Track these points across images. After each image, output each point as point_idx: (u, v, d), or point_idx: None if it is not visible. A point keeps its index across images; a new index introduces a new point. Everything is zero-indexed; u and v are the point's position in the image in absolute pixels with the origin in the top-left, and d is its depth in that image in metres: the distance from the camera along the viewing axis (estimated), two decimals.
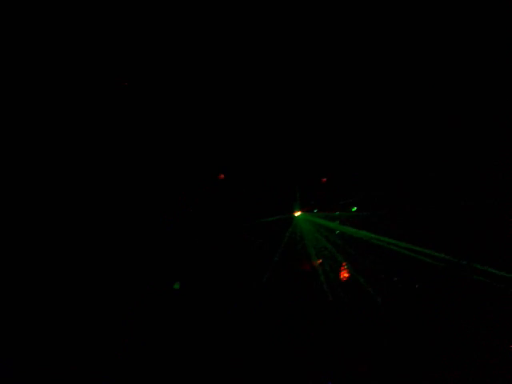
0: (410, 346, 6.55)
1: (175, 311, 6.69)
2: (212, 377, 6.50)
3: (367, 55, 6.75)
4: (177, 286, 6.80)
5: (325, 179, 7.12)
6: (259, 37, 6.67)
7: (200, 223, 6.87)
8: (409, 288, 6.81)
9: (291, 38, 6.67)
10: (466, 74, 6.69)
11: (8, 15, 6.33)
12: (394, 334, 6.61)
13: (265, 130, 6.93)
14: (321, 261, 7.04)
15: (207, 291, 6.78)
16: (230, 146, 6.93)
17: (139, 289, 6.71)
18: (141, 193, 6.84)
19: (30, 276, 6.52)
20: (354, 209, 7.09)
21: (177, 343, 6.58)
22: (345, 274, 6.96)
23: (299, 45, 6.70)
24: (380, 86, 6.84)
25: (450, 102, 6.80)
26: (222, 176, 7.00)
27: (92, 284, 6.64)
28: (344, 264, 7.00)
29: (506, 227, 6.72)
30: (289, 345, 6.64)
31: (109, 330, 6.56)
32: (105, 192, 6.76)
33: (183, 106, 6.83)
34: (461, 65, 6.67)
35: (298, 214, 7.14)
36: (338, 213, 7.12)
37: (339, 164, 7.08)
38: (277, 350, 6.66)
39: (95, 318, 6.57)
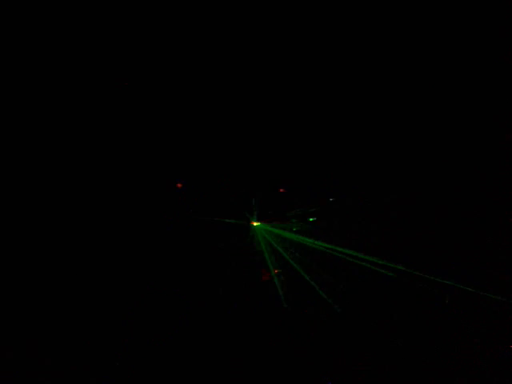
0: (410, 346, 6.48)
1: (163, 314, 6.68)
2: (211, 377, 6.43)
3: (362, 60, 6.80)
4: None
5: (282, 189, 7.13)
6: (259, 37, 6.76)
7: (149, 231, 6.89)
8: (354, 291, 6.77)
9: (291, 38, 6.76)
10: (466, 75, 6.72)
11: (8, 15, 6.45)
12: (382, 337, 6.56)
13: (228, 138, 6.97)
14: (277, 271, 7.00)
15: (161, 299, 6.75)
16: (184, 152, 6.96)
17: (139, 289, 6.70)
18: (141, 193, 6.87)
19: (30, 276, 6.53)
20: (312, 219, 7.08)
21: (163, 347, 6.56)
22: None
23: (294, 47, 6.80)
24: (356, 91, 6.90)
25: (436, 106, 6.83)
26: (180, 185, 7.02)
27: (91, 284, 6.63)
28: (276, 271, 6.96)
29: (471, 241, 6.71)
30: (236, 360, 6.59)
31: (109, 330, 6.54)
32: (104, 192, 6.79)
33: (183, 106, 6.89)
34: (461, 65, 6.71)
35: (255, 223, 7.13)
36: (295, 222, 7.12)
37: (297, 174, 7.10)
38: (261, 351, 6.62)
39: (95, 318, 6.55)
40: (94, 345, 6.47)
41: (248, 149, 6.97)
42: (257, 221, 7.12)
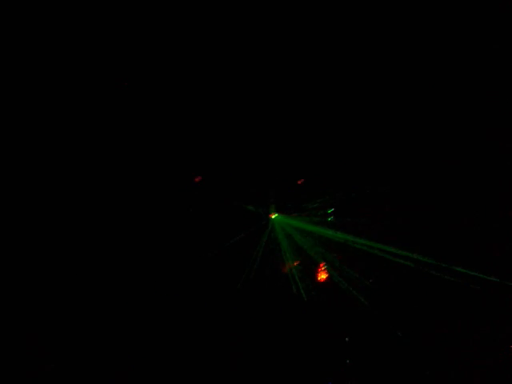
0: (409, 346, 6.57)
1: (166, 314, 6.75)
2: (211, 377, 6.54)
3: (361, 60, 6.75)
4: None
5: (301, 181, 7.12)
6: (259, 37, 6.68)
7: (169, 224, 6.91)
8: (390, 289, 6.82)
9: (291, 38, 6.68)
10: (466, 75, 6.68)
11: (8, 15, 6.33)
12: (385, 336, 6.65)
13: (243, 132, 6.93)
14: (298, 262, 7.06)
15: (179, 293, 6.81)
16: (206, 147, 6.94)
17: (138, 289, 6.75)
18: (141, 193, 6.87)
19: (30, 276, 6.57)
20: (331, 210, 7.10)
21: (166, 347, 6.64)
22: (322, 275, 6.99)
23: (294, 46, 6.72)
24: (361, 89, 6.85)
25: (438, 105, 6.80)
26: (198, 179, 7.01)
27: (91, 284, 6.68)
28: (322, 265, 7.02)
29: (490, 230, 6.73)
30: (259, 351, 6.68)
31: (109, 329, 6.62)
32: (104, 192, 6.79)
33: (183, 106, 6.84)
34: (461, 65, 6.66)
35: (274, 215, 7.15)
36: (314, 214, 7.14)
37: (316, 165, 7.08)
38: (264, 351, 6.71)
39: (95, 318, 6.62)
40: (94, 345, 6.51)
41: (266, 142, 6.94)
42: (275, 213, 7.15)
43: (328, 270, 6.95)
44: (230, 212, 7.01)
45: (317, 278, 6.97)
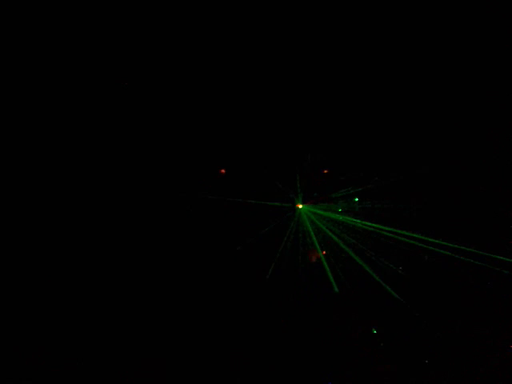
0: (409, 346, 6.56)
1: (179, 309, 6.73)
2: (212, 376, 6.54)
3: (368, 56, 6.71)
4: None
5: (326, 170, 7.09)
6: (259, 37, 6.65)
7: (197, 212, 6.89)
8: (414, 279, 6.78)
9: (291, 38, 6.65)
10: (467, 75, 6.63)
11: (8, 15, 6.33)
12: (395, 331, 6.61)
13: (266, 123, 6.91)
14: (325, 252, 7.03)
15: (209, 285, 6.80)
16: (231, 138, 6.92)
17: (139, 289, 6.74)
18: (141, 193, 6.86)
19: (30, 276, 6.58)
20: (356, 199, 7.06)
21: (181, 340, 6.63)
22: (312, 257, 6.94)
23: (299, 45, 6.69)
24: (378, 79, 6.82)
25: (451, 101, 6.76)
26: (223, 171, 6.99)
27: (91, 284, 6.67)
28: (324, 252, 6.98)
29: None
30: (290, 343, 6.66)
31: (109, 330, 6.61)
32: (105, 192, 6.78)
33: (184, 106, 6.82)
34: (461, 65, 6.61)
35: (300, 206, 7.12)
36: (340, 204, 7.10)
37: (341, 155, 7.04)
38: (278, 348, 6.69)
39: (95, 318, 6.61)
40: (94, 345, 6.49)
41: (292, 133, 6.91)
42: (302, 203, 7.11)
43: (317, 251, 6.91)
44: (256, 204, 6.99)
45: (309, 258, 6.93)
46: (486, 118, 6.73)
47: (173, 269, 6.78)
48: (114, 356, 6.47)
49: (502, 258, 6.48)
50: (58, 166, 6.72)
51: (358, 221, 7.01)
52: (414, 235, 6.84)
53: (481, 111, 6.74)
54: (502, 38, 6.42)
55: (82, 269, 6.66)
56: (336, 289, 6.82)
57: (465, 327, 6.45)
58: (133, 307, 6.65)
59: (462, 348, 6.39)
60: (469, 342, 6.40)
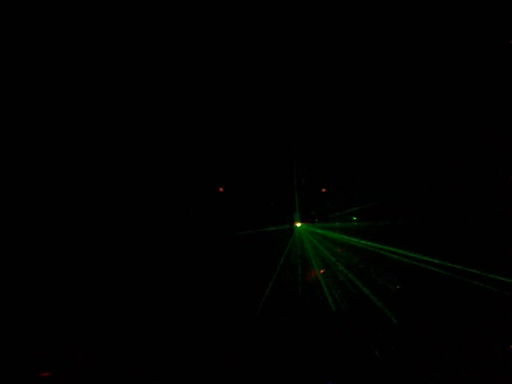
0: (410, 345, 6.52)
1: (174, 313, 6.69)
2: (212, 377, 6.47)
3: (366, 60, 6.75)
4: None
5: (324, 189, 7.11)
6: (259, 37, 6.68)
7: (198, 233, 6.88)
8: (411, 295, 6.77)
9: (291, 38, 6.69)
10: (466, 76, 6.68)
11: (9, 16, 6.36)
12: (395, 337, 6.59)
13: (265, 139, 6.93)
14: (323, 271, 7.02)
15: (206, 301, 6.76)
16: (229, 154, 6.94)
17: (139, 289, 6.71)
18: (141, 193, 6.85)
19: (30, 276, 6.54)
20: (355, 218, 7.07)
21: (178, 344, 6.58)
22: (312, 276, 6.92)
23: (299, 46, 6.73)
24: (379, 90, 6.84)
25: (447, 106, 6.80)
26: (221, 189, 6.99)
27: (92, 284, 6.65)
28: (321, 271, 6.97)
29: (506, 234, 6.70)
30: (289, 347, 6.62)
31: (109, 330, 6.57)
32: (105, 193, 6.77)
33: (184, 107, 6.83)
34: (461, 66, 6.66)
35: (298, 224, 7.12)
36: (338, 223, 7.11)
37: (339, 174, 7.07)
38: (277, 351, 6.64)
39: (95, 319, 6.58)
40: (94, 345, 6.48)
41: (289, 151, 6.94)
42: (300, 222, 7.12)
43: (316, 272, 6.91)
44: (254, 222, 6.98)
45: (307, 277, 6.92)
46: (485, 134, 6.77)
47: (171, 274, 6.77)
48: (113, 355, 6.42)
49: (503, 278, 6.49)
50: (58, 166, 6.70)
51: (357, 239, 7.02)
52: (412, 254, 6.84)
53: (478, 130, 6.78)
54: (502, 39, 6.45)
55: (80, 265, 6.62)
56: (333, 307, 6.80)
57: (463, 336, 6.44)
58: (133, 307, 6.61)
59: (462, 348, 6.35)
60: (469, 342, 6.37)
